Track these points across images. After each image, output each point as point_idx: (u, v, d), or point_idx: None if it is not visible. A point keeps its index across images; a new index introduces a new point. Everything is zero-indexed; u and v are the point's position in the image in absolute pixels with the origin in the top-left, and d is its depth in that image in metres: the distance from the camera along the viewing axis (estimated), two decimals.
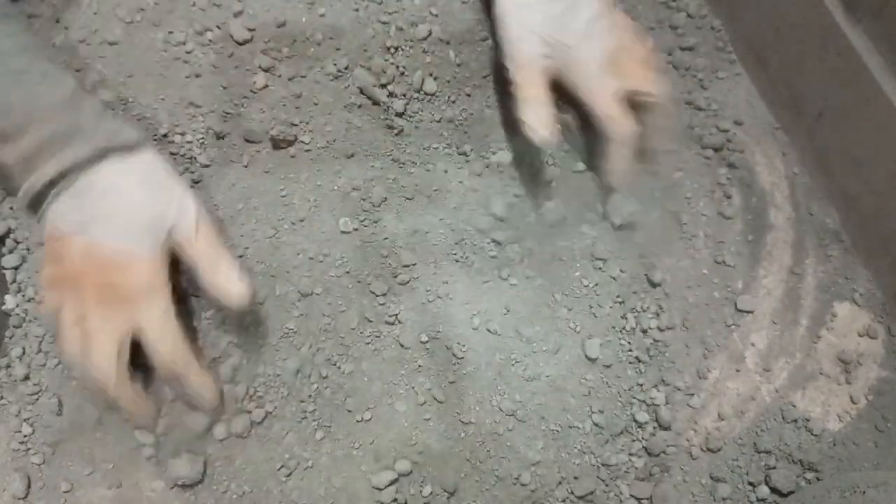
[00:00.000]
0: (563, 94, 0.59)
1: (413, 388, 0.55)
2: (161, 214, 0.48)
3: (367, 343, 0.56)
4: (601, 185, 0.62)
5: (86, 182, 0.47)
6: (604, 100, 0.57)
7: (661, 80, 0.58)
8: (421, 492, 0.53)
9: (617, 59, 0.57)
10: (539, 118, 0.55)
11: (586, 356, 0.57)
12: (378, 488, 0.52)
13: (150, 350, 0.48)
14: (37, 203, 0.47)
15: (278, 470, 0.53)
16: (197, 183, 0.59)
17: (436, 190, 0.62)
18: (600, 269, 0.60)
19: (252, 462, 0.53)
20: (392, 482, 0.52)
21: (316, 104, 0.61)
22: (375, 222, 0.60)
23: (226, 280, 0.50)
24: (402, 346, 0.56)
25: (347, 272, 0.58)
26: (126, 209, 0.47)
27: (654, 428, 0.56)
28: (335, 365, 0.55)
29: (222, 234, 0.52)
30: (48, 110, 0.46)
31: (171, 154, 0.59)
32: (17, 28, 0.49)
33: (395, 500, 0.52)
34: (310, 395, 0.55)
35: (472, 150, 0.63)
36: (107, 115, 0.49)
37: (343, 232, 0.59)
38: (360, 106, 0.62)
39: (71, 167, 0.46)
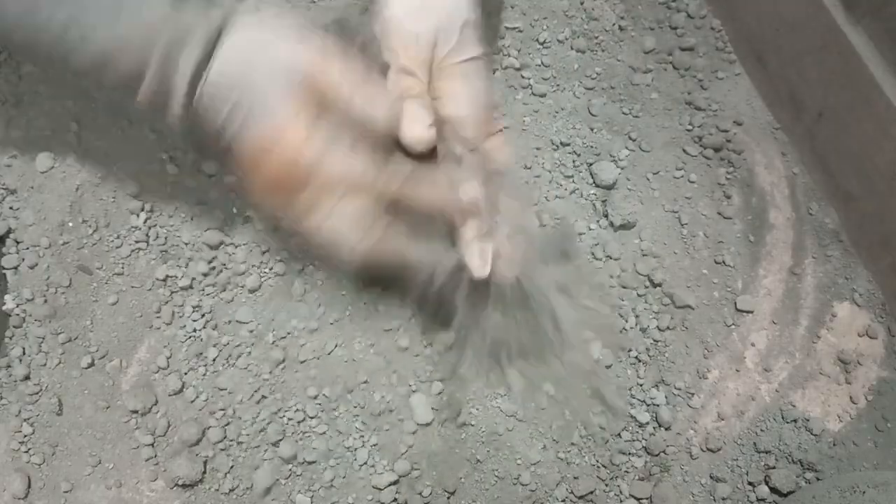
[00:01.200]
0: None
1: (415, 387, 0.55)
2: (297, 70, 0.42)
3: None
4: None
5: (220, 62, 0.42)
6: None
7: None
8: (421, 492, 0.53)
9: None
10: (418, 117, 0.45)
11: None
12: (378, 488, 0.52)
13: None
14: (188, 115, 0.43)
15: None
16: None
17: None
18: (600, 269, 0.60)
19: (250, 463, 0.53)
20: (392, 483, 0.52)
21: None
22: None
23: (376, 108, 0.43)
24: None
25: None
26: (259, 84, 0.42)
27: (654, 428, 0.56)
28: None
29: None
30: (159, 23, 0.42)
31: None
32: None
33: (395, 500, 0.52)
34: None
35: None
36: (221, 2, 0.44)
37: None
38: None
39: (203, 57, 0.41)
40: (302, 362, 0.56)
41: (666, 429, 0.56)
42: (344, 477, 0.53)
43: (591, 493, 0.53)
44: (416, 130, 0.43)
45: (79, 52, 0.43)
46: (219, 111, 0.42)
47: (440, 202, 0.45)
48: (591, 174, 0.63)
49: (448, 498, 0.53)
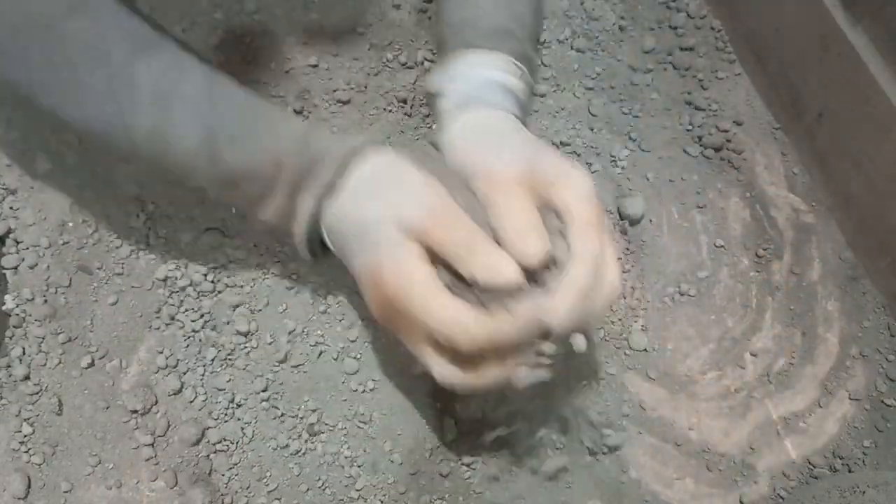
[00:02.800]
0: None
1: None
2: (398, 215, 0.41)
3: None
4: None
5: (334, 209, 0.43)
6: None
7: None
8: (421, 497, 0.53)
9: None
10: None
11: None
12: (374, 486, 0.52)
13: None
14: (314, 249, 0.45)
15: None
16: None
17: None
18: None
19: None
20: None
21: None
22: None
23: (488, 266, 0.39)
24: None
25: None
26: (368, 225, 0.41)
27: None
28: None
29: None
30: (292, 146, 0.43)
31: None
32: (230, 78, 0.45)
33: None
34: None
35: None
36: (331, 132, 0.46)
37: None
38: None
39: (321, 194, 0.42)
40: (300, 364, 0.56)
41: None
42: (340, 481, 0.53)
43: None
44: (532, 247, 0.40)
45: (210, 171, 0.44)
46: (335, 241, 0.44)
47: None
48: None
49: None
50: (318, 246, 0.45)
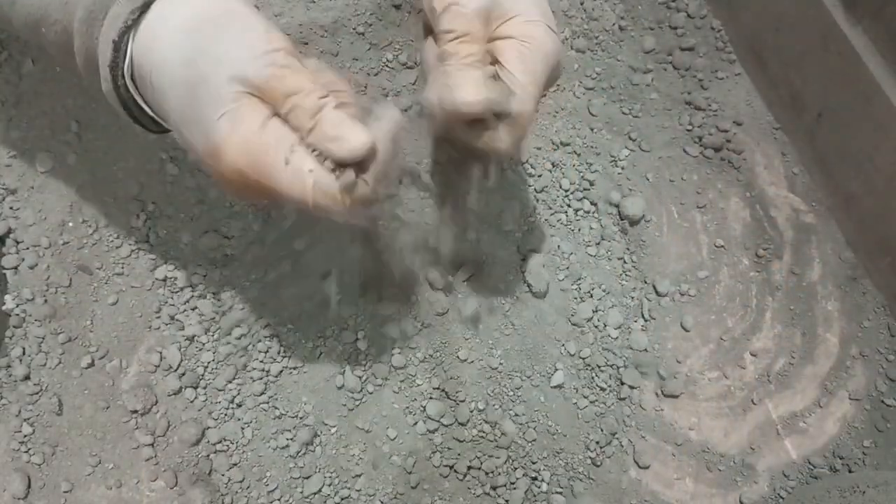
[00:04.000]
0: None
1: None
2: (235, 60, 0.36)
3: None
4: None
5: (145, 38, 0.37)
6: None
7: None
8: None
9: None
10: (467, 75, 0.40)
11: (582, 359, 0.57)
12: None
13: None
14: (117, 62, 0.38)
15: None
16: None
17: None
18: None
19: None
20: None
21: None
22: None
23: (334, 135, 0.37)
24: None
25: None
26: (195, 73, 0.36)
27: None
28: None
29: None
30: None
31: None
32: None
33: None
34: None
35: None
36: None
37: None
38: None
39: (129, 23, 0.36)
40: (300, 366, 0.56)
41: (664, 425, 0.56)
42: (340, 481, 0.53)
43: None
44: (468, 95, 0.38)
45: (12, 15, 0.40)
46: (152, 98, 0.37)
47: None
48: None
49: None
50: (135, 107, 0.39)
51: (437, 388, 0.55)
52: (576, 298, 0.59)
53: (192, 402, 0.55)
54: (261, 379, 0.55)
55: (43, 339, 0.55)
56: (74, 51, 0.38)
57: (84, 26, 0.37)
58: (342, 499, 0.52)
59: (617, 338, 0.58)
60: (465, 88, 0.39)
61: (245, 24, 0.37)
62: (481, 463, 0.53)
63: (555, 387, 0.56)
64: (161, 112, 0.39)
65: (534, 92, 0.41)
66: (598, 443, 0.55)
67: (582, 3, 0.70)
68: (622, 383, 0.57)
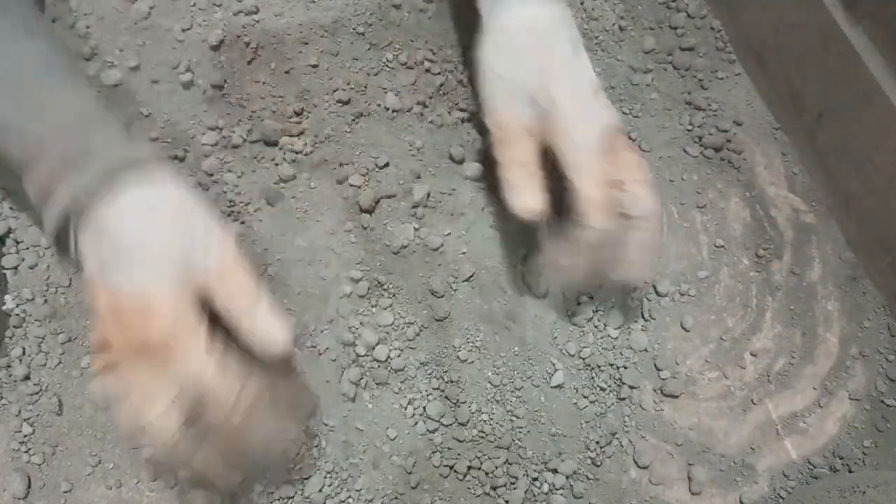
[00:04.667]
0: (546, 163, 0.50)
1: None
2: (184, 249, 0.41)
3: None
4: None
5: (102, 214, 0.41)
6: (590, 180, 0.46)
7: (653, 190, 0.49)
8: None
9: (613, 144, 0.47)
10: (522, 183, 0.46)
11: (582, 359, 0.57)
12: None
13: (206, 405, 0.41)
14: (64, 241, 0.43)
15: None
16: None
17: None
18: None
19: None
20: None
21: None
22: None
23: (264, 325, 0.42)
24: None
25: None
26: (142, 247, 0.41)
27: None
28: None
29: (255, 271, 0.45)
30: (59, 132, 0.42)
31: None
32: (43, 46, 0.45)
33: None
34: None
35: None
36: (122, 135, 0.44)
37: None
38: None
39: (83, 191, 0.41)
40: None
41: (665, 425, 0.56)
42: (340, 481, 0.53)
43: None
44: (523, 202, 0.43)
45: None
46: (84, 245, 0.42)
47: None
48: None
49: None
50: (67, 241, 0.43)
51: (437, 389, 0.55)
52: (576, 299, 0.59)
53: None
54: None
55: (43, 339, 0.55)
56: (30, 178, 0.43)
57: (48, 172, 0.42)
58: (342, 501, 0.52)
59: (617, 338, 0.58)
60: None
61: (199, 215, 0.43)
62: (481, 463, 0.53)
63: (555, 387, 0.56)
64: (83, 256, 0.43)
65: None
66: (598, 443, 0.55)
67: (582, 3, 0.70)
68: (622, 383, 0.57)
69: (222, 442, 0.43)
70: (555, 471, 0.54)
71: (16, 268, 0.57)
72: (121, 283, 0.41)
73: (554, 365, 0.56)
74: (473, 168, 0.62)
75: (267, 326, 0.42)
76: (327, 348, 0.56)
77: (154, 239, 0.41)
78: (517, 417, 0.55)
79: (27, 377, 0.54)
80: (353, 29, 0.64)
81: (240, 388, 0.41)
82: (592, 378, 0.57)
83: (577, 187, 0.46)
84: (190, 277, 0.41)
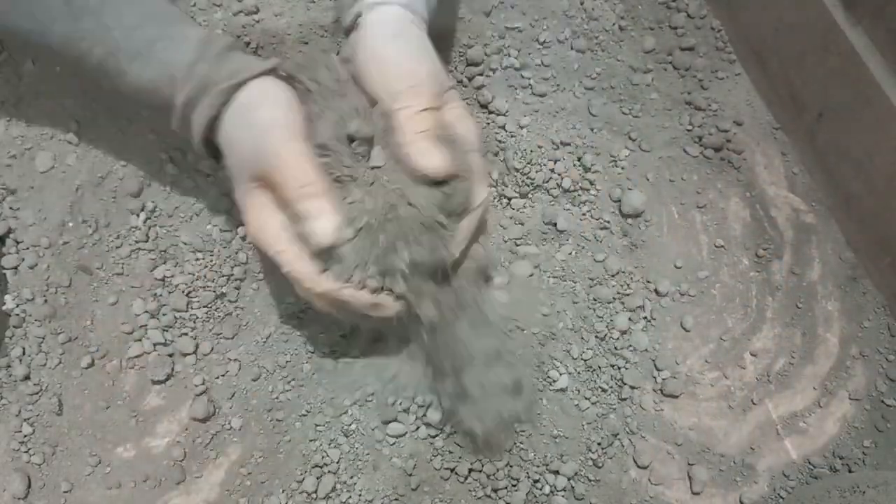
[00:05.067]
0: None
1: None
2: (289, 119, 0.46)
3: None
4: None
5: (227, 123, 0.47)
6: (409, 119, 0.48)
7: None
8: None
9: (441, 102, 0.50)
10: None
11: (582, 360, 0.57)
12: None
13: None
14: (207, 147, 0.48)
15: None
16: None
17: None
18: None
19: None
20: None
21: None
22: None
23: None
24: None
25: None
26: (268, 127, 0.45)
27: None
28: None
29: None
30: (182, 73, 0.47)
31: None
32: None
33: None
34: None
35: None
36: (233, 57, 0.48)
37: None
38: None
39: (212, 115, 0.46)
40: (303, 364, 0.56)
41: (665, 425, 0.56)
42: (341, 482, 0.53)
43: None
44: (437, 161, 0.46)
45: (118, 81, 0.48)
46: (225, 159, 0.48)
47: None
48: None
49: None
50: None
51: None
52: (576, 299, 0.59)
53: None
54: (262, 378, 0.55)
55: (43, 339, 0.55)
56: (170, 115, 0.48)
57: (182, 107, 0.47)
58: (342, 502, 0.52)
59: (618, 338, 0.58)
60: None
61: (268, 112, 0.47)
62: (482, 465, 0.53)
63: (557, 390, 0.56)
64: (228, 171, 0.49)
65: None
66: (599, 444, 0.55)
67: (582, 3, 0.70)
68: (623, 384, 0.57)
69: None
70: (556, 472, 0.53)
71: (16, 268, 0.57)
72: (236, 199, 0.48)
73: (557, 368, 0.56)
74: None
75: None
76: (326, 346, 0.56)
77: (237, 147, 0.47)
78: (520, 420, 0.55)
79: (27, 377, 0.54)
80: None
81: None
82: (594, 379, 0.57)
83: (405, 141, 0.48)
84: (257, 179, 0.46)
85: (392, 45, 0.48)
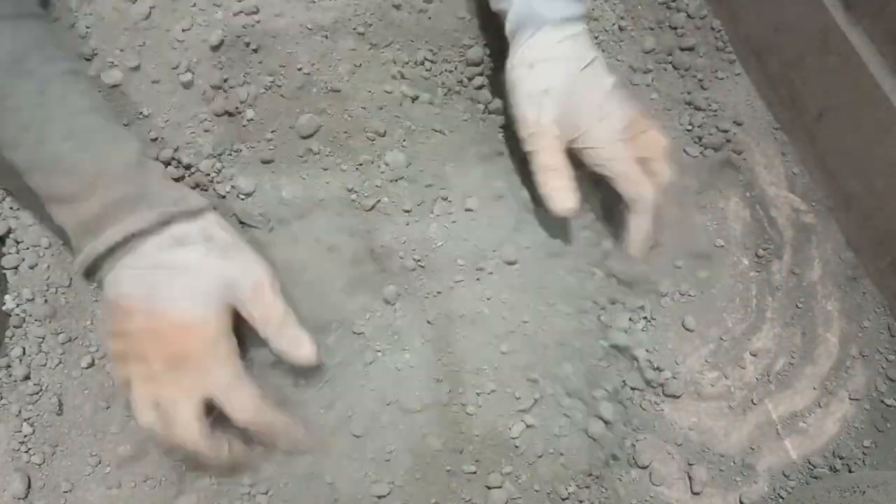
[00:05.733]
0: (575, 162, 0.56)
1: None
2: (225, 277, 0.47)
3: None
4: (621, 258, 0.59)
5: (148, 248, 0.46)
6: (624, 163, 0.54)
7: (674, 158, 0.56)
8: None
9: (634, 130, 0.55)
10: (557, 187, 0.53)
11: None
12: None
13: (228, 413, 0.47)
14: (94, 268, 0.46)
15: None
16: None
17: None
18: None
19: None
20: None
21: None
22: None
23: (294, 342, 0.49)
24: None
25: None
26: (188, 275, 0.46)
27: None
28: None
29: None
30: (116, 173, 0.45)
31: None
32: (87, 86, 0.48)
33: None
34: None
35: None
36: (171, 181, 0.49)
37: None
38: None
39: (137, 232, 0.45)
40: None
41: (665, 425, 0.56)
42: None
43: None
44: (562, 203, 0.52)
45: (31, 147, 0.46)
46: (126, 282, 0.46)
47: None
48: None
49: None
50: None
51: (439, 387, 0.55)
52: (577, 299, 0.59)
53: None
54: (262, 377, 0.55)
55: (43, 339, 0.55)
56: (73, 207, 0.46)
57: (101, 206, 0.45)
58: (344, 499, 0.52)
59: (618, 338, 0.58)
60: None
61: (243, 247, 0.50)
62: (483, 465, 0.53)
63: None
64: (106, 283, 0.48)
65: None
66: (599, 444, 0.55)
67: None
68: (623, 384, 0.57)
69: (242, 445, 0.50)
70: (556, 472, 0.53)
71: (16, 268, 0.57)
72: (166, 305, 0.45)
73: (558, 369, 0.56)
74: None
75: (296, 342, 0.50)
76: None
77: (197, 267, 0.46)
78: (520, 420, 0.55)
79: (27, 377, 0.54)
80: (353, 29, 0.64)
81: (261, 406, 0.48)
82: (595, 380, 0.57)
83: (611, 175, 0.54)
84: (228, 300, 0.47)
85: None
